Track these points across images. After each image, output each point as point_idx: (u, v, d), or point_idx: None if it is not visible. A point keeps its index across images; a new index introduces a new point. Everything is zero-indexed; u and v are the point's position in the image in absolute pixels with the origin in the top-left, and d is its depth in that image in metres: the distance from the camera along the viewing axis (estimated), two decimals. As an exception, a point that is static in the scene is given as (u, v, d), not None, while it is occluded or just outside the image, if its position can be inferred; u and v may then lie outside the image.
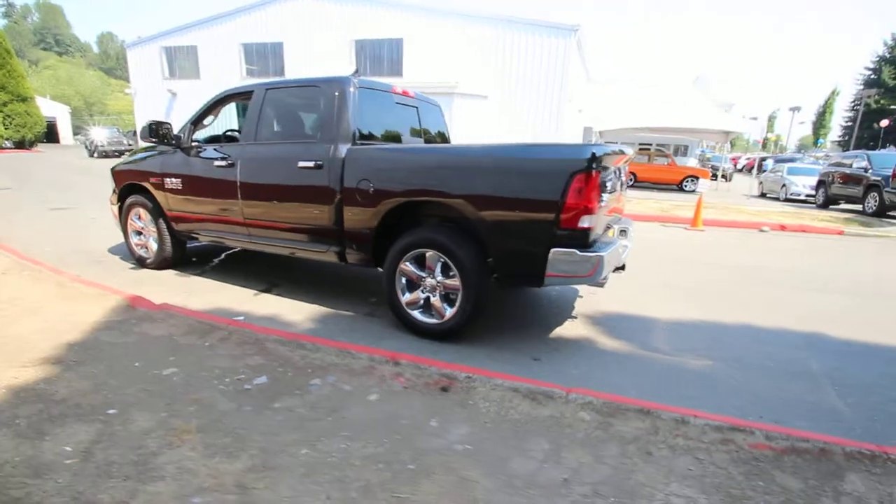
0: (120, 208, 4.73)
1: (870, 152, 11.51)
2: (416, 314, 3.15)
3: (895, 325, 3.77)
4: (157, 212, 4.37)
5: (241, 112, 4.93)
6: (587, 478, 1.79)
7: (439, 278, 3.03)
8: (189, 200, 4.08)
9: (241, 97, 4.00)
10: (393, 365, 2.58)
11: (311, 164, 3.32)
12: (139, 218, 4.61)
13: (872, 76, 51.15)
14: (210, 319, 3.15)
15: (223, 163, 3.78)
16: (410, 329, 3.20)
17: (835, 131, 51.25)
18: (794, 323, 3.69)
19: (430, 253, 3.01)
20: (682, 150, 27.99)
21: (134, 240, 4.70)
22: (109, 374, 2.43)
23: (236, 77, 21.13)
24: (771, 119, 50.06)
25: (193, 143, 4.15)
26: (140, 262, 4.67)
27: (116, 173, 4.69)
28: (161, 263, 4.54)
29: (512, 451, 1.94)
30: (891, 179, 9.06)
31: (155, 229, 4.47)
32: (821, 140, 49.56)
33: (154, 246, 4.55)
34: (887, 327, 3.71)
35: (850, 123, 51.56)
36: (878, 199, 10.15)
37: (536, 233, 2.66)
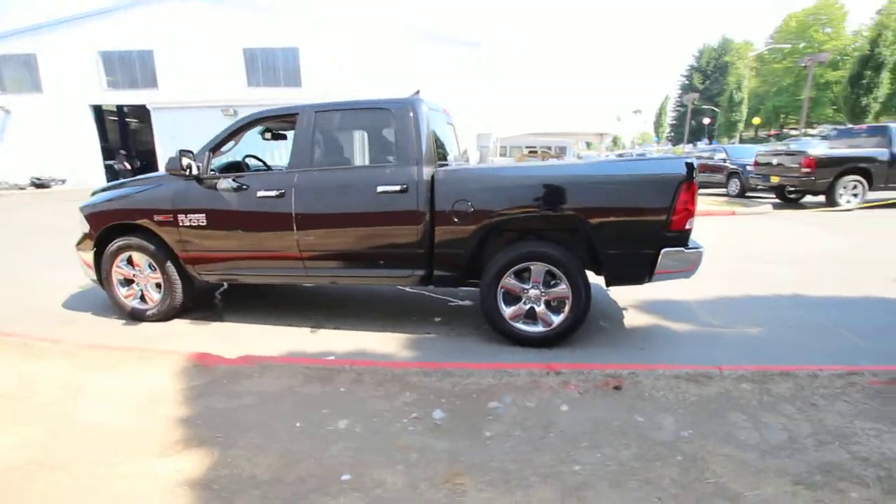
0: (97, 255, 3.95)
1: (726, 146, 14.20)
2: (520, 325, 3.26)
3: (859, 283, 4.67)
4: (162, 254, 3.76)
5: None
6: (799, 431, 2.14)
7: (542, 288, 3.19)
8: (218, 238, 3.60)
9: (275, 121, 3.67)
10: (555, 375, 2.68)
11: (394, 188, 3.22)
12: (129, 264, 3.91)
13: (686, 82, 62.36)
14: (319, 364, 2.88)
15: (269, 193, 3.43)
16: (512, 340, 3.29)
17: (667, 128, 61.41)
18: (778, 289, 4.56)
19: (536, 266, 3.15)
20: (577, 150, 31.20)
21: (122, 290, 3.96)
22: (279, 440, 2.15)
23: (94, 90, 18.15)
24: (618, 120, 58.74)
25: (213, 174, 3.68)
26: (134, 316, 3.95)
27: (93, 215, 3.91)
28: (168, 313, 3.91)
29: (724, 426, 2.21)
30: (752, 167, 11.36)
31: (157, 275, 3.83)
32: (656, 138, 59.08)
33: (154, 295, 3.90)
34: (854, 285, 4.56)
35: (674, 122, 62.20)
36: (738, 184, 12.62)
37: (648, 236, 2.99)
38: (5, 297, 4.71)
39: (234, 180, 3.55)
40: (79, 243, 4.05)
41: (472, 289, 3.85)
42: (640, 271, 3.08)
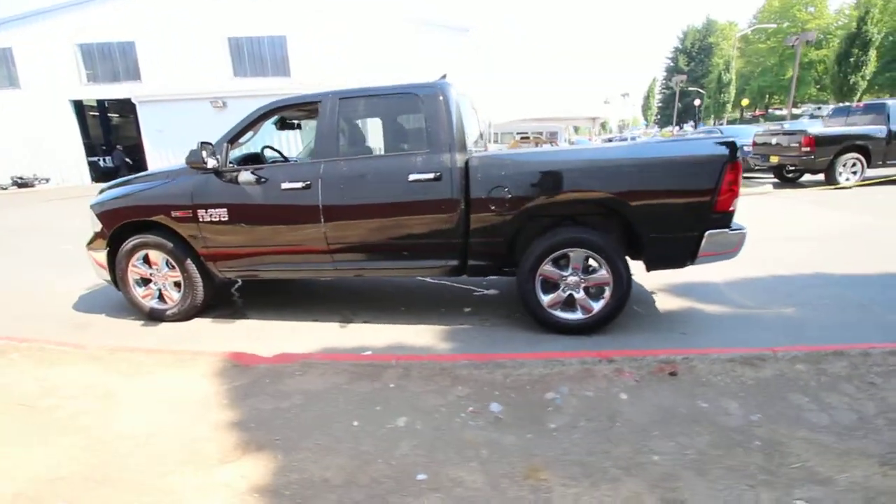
0: (111, 255, 3.79)
1: (723, 127, 14.25)
2: (559, 313, 3.21)
3: (878, 259, 4.63)
4: (182, 252, 3.62)
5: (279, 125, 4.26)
6: (866, 410, 2.13)
7: (581, 275, 3.13)
8: (241, 233, 3.47)
9: (295, 109, 3.52)
10: (608, 363, 2.63)
11: (427, 176, 3.11)
12: (146, 262, 3.76)
13: (672, 64, 62.47)
14: (363, 360, 2.80)
15: (295, 185, 3.31)
16: (551, 328, 3.23)
17: (655, 111, 61.62)
18: (800, 269, 4.56)
19: (575, 252, 3.08)
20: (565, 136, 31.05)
21: (139, 290, 3.82)
22: (342, 441, 2.07)
23: (73, 84, 17.55)
24: (606, 103, 58.82)
25: (233, 166, 3.53)
26: (153, 316, 3.81)
27: (105, 212, 3.74)
28: (189, 312, 3.78)
29: (790, 409, 2.18)
30: (750, 148, 11.41)
31: (177, 273, 3.69)
32: (644, 122, 59.31)
33: (174, 294, 3.76)
34: (873, 262, 4.53)
35: (661, 105, 62.37)
36: (735, 164, 12.69)
37: (693, 218, 2.94)
38: (8, 302, 4.53)
39: (256, 172, 3.41)
40: (90, 243, 3.88)
41: (497, 277, 3.80)
42: (684, 254, 3.03)
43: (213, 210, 3.46)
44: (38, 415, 2.37)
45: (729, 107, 40.77)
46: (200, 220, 3.49)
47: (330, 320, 3.70)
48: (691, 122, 53.94)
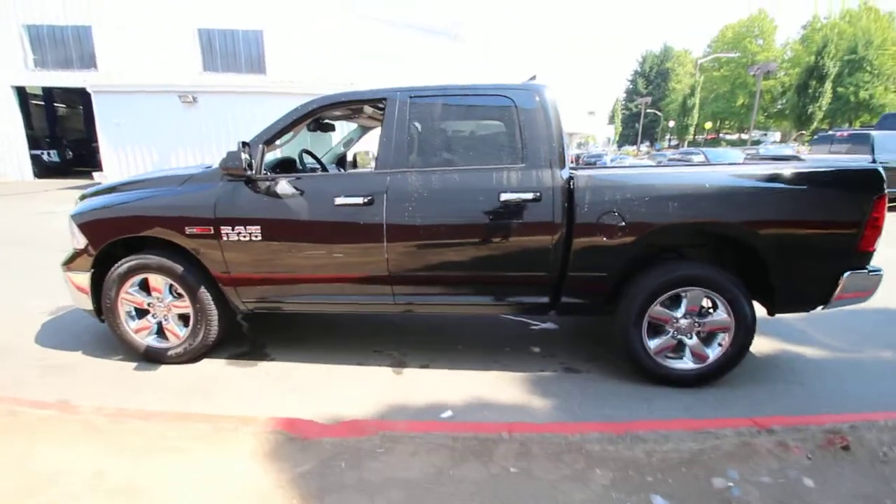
0: (96, 278, 2.99)
1: (705, 149, 14.54)
2: (670, 362, 2.73)
3: None
4: (194, 277, 2.89)
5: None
6: None
7: (696, 318, 2.68)
8: (278, 256, 2.79)
9: (350, 107, 2.90)
10: (768, 434, 2.16)
11: (524, 196, 2.57)
12: (144, 289, 2.99)
13: (631, 86, 65.12)
14: (459, 430, 2.19)
15: (353, 200, 2.67)
16: (655, 379, 2.75)
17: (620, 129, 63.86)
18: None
19: (693, 291, 2.62)
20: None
21: (131, 324, 3.03)
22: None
23: (18, 69, 15.75)
24: (591, 114, 60.43)
25: (266, 174, 2.86)
26: (150, 357, 3.04)
27: (91, 225, 2.95)
28: (198, 352, 3.04)
29: None
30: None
31: (184, 303, 2.95)
32: (611, 139, 61.40)
33: (178, 329, 3.01)
34: None
35: (623, 124, 64.66)
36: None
37: (834, 255, 2.55)
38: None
39: (300, 183, 2.75)
40: (68, 262, 3.06)
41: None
42: (819, 296, 2.64)
43: (242, 227, 2.76)
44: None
45: (692, 129, 42.61)
46: (224, 238, 2.78)
47: (376, 363, 3.05)
48: (647, 143, 56.22)
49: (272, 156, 3.18)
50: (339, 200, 2.68)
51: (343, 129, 4.62)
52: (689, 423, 2.27)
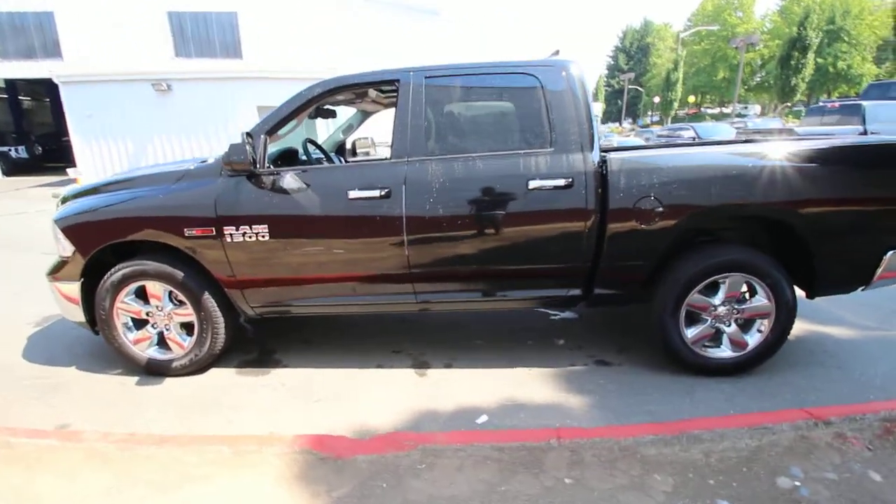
0: (86, 287, 2.75)
1: (694, 125, 14.46)
2: (709, 352, 2.61)
3: None
4: (196, 283, 2.66)
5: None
6: None
7: (735, 304, 2.56)
8: (287, 256, 2.58)
9: (359, 90, 2.67)
10: (824, 426, 2.06)
11: (554, 182, 2.39)
12: (141, 297, 2.76)
13: (612, 62, 64.74)
14: (503, 440, 2.04)
15: (369, 193, 2.46)
16: (693, 369, 2.63)
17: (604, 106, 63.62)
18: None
19: (733, 277, 2.49)
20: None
21: (130, 335, 2.80)
22: None
23: (-26, 60, 14.82)
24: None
25: (270, 168, 2.62)
26: (152, 370, 2.82)
27: (78, 229, 2.69)
28: (205, 362, 2.83)
29: None
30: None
31: (187, 311, 2.73)
32: (597, 116, 61.22)
33: (181, 339, 2.79)
34: None
35: (607, 100, 64.45)
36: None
37: (880, 233, 2.44)
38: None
39: (307, 176, 2.53)
40: (54, 271, 2.80)
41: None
42: (860, 277, 2.53)
43: (247, 226, 2.53)
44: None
45: (676, 104, 42.56)
46: (228, 239, 2.55)
47: (396, 365, 2.89)
48: (629, 119, 56.10)
49: (272, 147, 2.93)
50: (354, 194, 2.47)
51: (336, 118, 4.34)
52: (744, 419, 2.16)
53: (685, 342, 2.58)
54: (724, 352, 2.62)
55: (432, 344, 3.15)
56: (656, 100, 44.72)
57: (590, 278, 2.59)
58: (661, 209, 2.39)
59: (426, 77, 2.52)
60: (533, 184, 2.40)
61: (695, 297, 2.53)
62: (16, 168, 16.73)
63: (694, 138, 13.86)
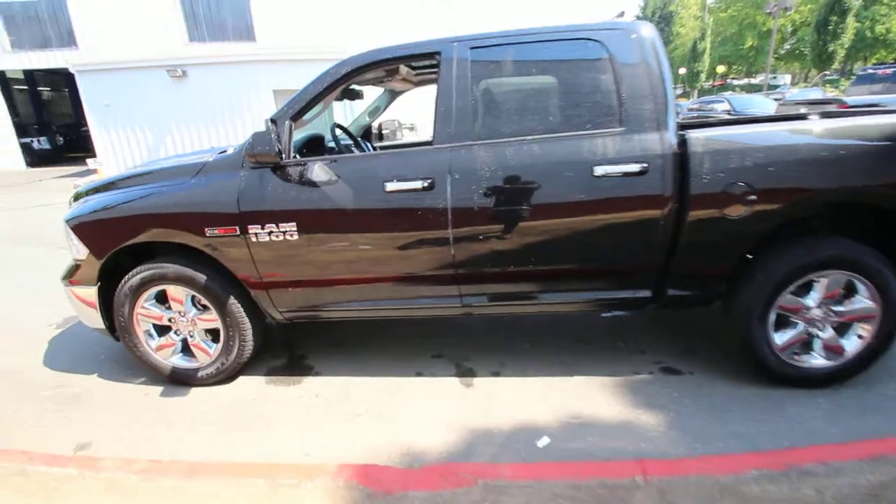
0: (104, 291, 2.53)
1: (728, 96, 13.66)
2: (802, 360, 2.27)
3: None
4: (221, 286, 2.42)
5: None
6: None
7: (833, 306, 2.20)
8: (317, 256, 2.31)
9: (393, 65, 2.35)
10: (966, 457, 1.73)
11: (626, 168, 2.05)
12: (163, 303, 2.54)
13: (635, 34, 62.20)
14: (578, 475, 1.76)
15: (409, 184, 2.16)
16: (780, 379, 2.30)
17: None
18: None
19: (833, 275, 2.14)
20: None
21: (152, 343, 2.59)
22: None
23: (-8, 52, 14.81)
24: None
25: (297, 159, 2.34)
26: (177, 379, 2.62)
27: (91, 230, 2.47)
28: (233, 370, 2.61)
29: None
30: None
31: (211, 316, 2.50)
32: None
33: (209, 347, 2.57)
34: None
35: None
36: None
37: None
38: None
39: (339, 167, 2.24)
40: (69, 275, 2.59)
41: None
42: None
43: (273, 224, 2.26)
44: None
45: (703, 76, 40.62)
46: (253, 238, 2.29)
47: (439, 372, 2.62)
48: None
49: (297, 134, 2.64)
50: (392, 186, 2.17)
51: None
52: (862, 448, 1.83)
53: (773, 349, 2.25)
54: (817, 359, 2.28)
55: (473, 347, 2.88)
56: (682, 71, 42.71)
57: (662, 277, 2.26)
58: (752, 196, 2.04)
59: (471, 48, 2.18)
60: (599, 170, 2.07)
61: (787, 297, 2.19)
62: (39, 159, 16.86)
63: (729, 112, 13.10)
